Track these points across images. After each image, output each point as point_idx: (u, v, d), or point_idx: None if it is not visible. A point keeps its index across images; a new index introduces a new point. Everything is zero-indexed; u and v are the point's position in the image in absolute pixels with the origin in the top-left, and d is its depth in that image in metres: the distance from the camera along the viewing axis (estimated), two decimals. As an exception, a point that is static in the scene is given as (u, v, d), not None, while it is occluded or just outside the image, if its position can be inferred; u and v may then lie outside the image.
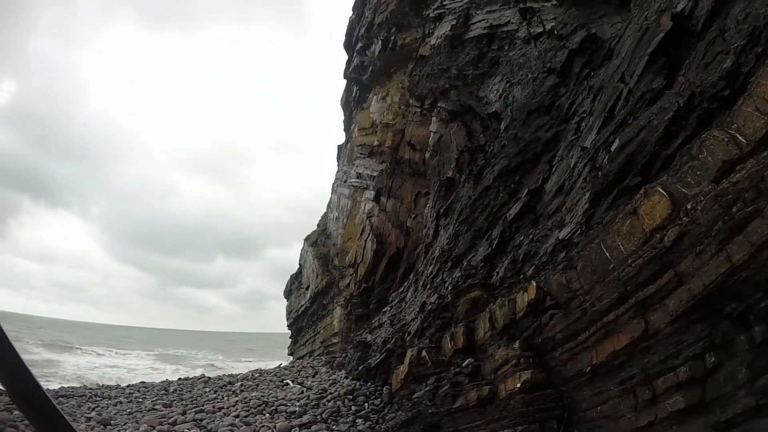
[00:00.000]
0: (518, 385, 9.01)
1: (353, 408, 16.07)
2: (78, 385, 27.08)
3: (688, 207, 7.31)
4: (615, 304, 7.87)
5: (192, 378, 28.02)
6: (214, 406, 17.63)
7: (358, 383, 17.84)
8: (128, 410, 18.34)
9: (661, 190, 7.89)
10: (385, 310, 21.48)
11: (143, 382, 26.60)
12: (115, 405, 19.56)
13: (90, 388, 25.12)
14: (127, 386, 25.30)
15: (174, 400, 20.09)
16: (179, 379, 28.07)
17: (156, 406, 18.97)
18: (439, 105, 19.13)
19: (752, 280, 6.55)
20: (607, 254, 8.26)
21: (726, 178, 7.37)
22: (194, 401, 19.46)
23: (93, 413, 17.52)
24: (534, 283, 9.46)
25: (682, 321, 7.09)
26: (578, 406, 8.77)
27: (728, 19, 9.13)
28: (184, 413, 16.91)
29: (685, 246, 7.05)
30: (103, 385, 26.62)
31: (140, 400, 20.50)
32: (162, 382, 26.53)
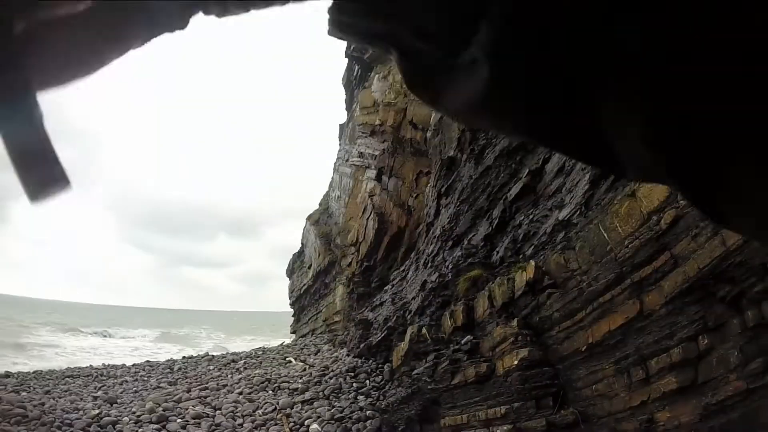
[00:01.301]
0: (515, 363, 9.17)
1: (355, 385, 16.28)
2: (84, 365, 27.36)
3: (686, 190, 7.39)
4: (611, 285, 7.98)
5: (196, 356, 28.31)
6: (218, 384, 17.87)
7: (359, 361, 18.03)
8: (134, 389, 18.59)
9: (659, 172, 7.95)
10: (386, 288, 21.63)
11: (148, 362, 26.85)
12: (120, 384, 19.80)
13: (96, 368, 25.39)
14: (132, 365, 25.56)
15: (179, 378, 20.34)
16: (183, 357, 28.37)
17: (161, 385, 19.22)
18: (441, 84, 19.07)
19: (746, 265, 6.62)
20: (605, 235, 8.36)
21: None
22: (198, 379, 19.70)
23: (99, 392, 17.78)
24: (533, 263, 9.58)
25: (677, 303, 7.20)
26: (573, 384, 8.93)
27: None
28: (188, 391, 17.17)
29: (681, 229, 7.13)
30: (108, 365, 26.86)
31: (145, 378, 20.74)
32: (166, 360, 26.79)
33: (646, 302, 7.54)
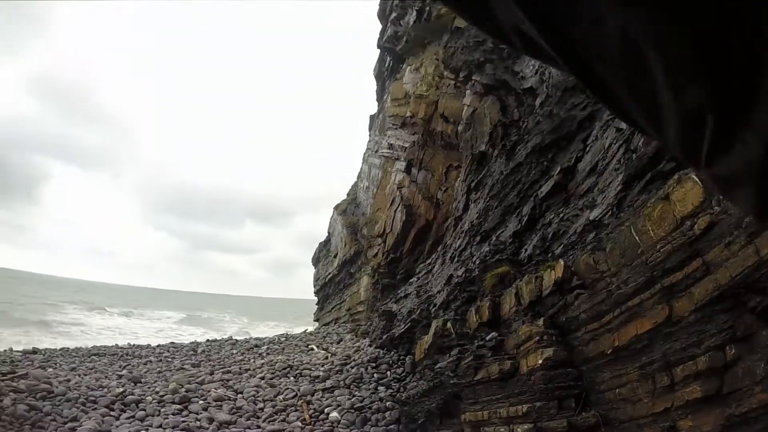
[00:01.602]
0: (540, 362, 9.13)
1: (376, 375, 16.39)
2: (109, 344, 27.94)
3: (721, 196, 7.25)
4: (640, 289, 7.89)
5: (220, 340, 28.71)
6: (240, 368, 18.12)
7: (381, 351, 18.14)
8: (158, 369, 18.94)
9: (694, 177, 7.81)
10: (411, 281, 21.68)
11: (173, 343, 27.29)
12: (145, 364, 20.19)
13: (121, 347, 25.92)
14: (157, 346, 26.01)
15: (202, 361, 20.67)
16: (207, 340, 28.80)
17: (185, 366, 19.56)
18: (473, 78, 18.97)
19: (778, 276, 6.51)
20: (637, 238, 8.25)
21: (762, 167, 7.29)
22: (221, 362, 20.01)
23: (124, 371, 18.16)
24: (561, 262, 9.50)
25: (706, 310, 7.09)
26: (597, 387, 8.87)
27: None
28: (211, 373, 17.44)
29: (714, 236, 7.01)
30: (133, 345, 27.38)
31: (169, 360, 21.11)
32: (191, 343, 27.23)
33: (675, 308, 7.44)
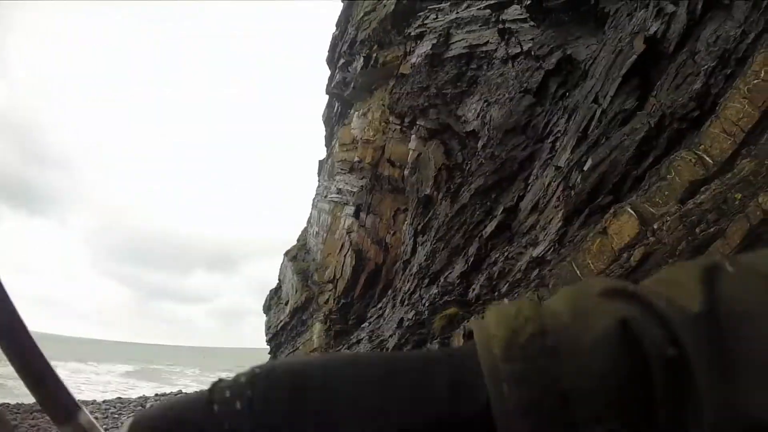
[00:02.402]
0: (489, 402, 9.09)
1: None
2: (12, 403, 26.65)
3: (655, 227, 7.49)
4: (584, 322, 8.01)
5: (169, 394, 27.73)
6: None
7: (337, 401, 17.83)
8: (104, 426, 17.97)
9: (630, 209, 8.07)
10: (363, 326, 21.49)
11: (119, 398, 26.25)
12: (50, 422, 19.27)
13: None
14: (103, 402, 24.98)
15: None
16: (156, 395, 27.83)
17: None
18: (418, 123, 19.34)
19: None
20: (578, 272, 8.41)
21: (692, 198, 7.58)
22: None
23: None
24: (506, 301, 9.59)
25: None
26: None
27: (699, 42, 9.40)
28: None
29: (650, 265, 7.21)
30: (79, 401, 26.18)
31: (116, 416, 20.28)
32: (138, 398, 26.29)
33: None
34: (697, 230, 6.88)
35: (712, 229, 6.77)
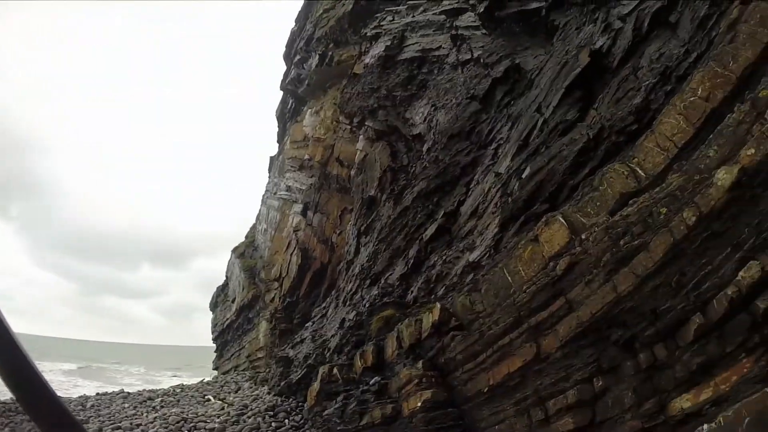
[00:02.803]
0: (419, 404, 9.15)
1: (273, 425, 15.87)
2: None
3: (583, 237, 7.62)
4: (509, 328, 8.12)
5: (111, 393, 26.95)
6: (131, 423, 17.02)
7: (279, 399, 17.64)
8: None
9: (561, 218, 8.20)
10: (307, 325, 21.36)
11: (60, 397, 25.33)
12: (29, 421, 18.63)
13: (3, 402, 23.87)
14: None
15: (91, 416, 19.31)
16: (97, 394, 27.00)
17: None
18: (366, 124, 19.34)
19: (637, 310, 6.88)
20: (509, 279, 8.52)
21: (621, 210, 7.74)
22: (112, 417, 18.75)
23: (6, 429, 16.70)
24: (438, 305, 9.67)
25: (572, 346, 7.37)
26: (478, 425, 8.97)
27: (643, 58, 9.62)
28: (100, 430, 16.35)
29: (576, 275, 7.34)
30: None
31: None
32: (79, 397, 25.45)
33: (542, 346, 7.69)
34: (622, 242, 7.03)
35: (636, 242, 6.92)
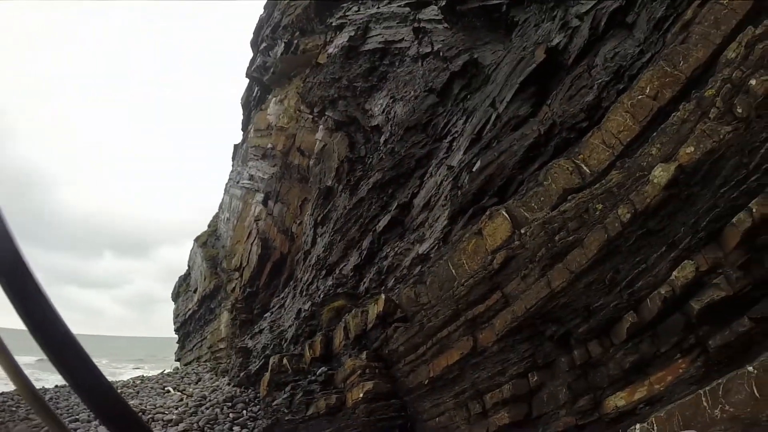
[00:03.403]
0: (361, 395, 9.17)
1: (231, 415, 15.82)
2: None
3: (522, 231, 7.66)
4: (448, 321, 8.15)
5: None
6: (89, 415, 16.81)
7: (238, 390, 17.61)
8: (0, 420, 17.26)
9: (504, 213, 8.23)
10: (266, 315, 21.27)
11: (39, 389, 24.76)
12: (27, 416, 18.34)
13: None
14: (1, 394, 23.59)
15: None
16: (56, 386, 26.54)
17: (30, 416, 17.91)
18: (327, 113, 19.23)
19: (571, 306, 6.92)
20: (453, 271, 8.54)
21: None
22: (70, 410, 18.48)
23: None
24: (383, 296, 9.67)
25: (508, 340, 7.42)
26: (420, 416, 9.01)
27: (598, 57, 9.69)
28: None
29: (512, 269, 7.38)
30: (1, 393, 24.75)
31: (13, 409, 19.22)
32: (38, 389, 24.94)
33: (479, 339, 7.73)
34: (557, 238, 7.07)
35: (571, 238, 6.95)
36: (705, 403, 5.27)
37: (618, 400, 6.62)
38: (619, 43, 9.40)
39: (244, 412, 16.01)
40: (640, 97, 7.74)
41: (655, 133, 6.96)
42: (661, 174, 6.36)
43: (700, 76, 7.06)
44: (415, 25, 16.92)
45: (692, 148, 6.27)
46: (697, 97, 6.59)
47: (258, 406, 15.89)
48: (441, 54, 14.71)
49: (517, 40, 12.51)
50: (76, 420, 16.39)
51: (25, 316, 0.78)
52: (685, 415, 5.53)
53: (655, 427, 5.80)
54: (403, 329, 9.03)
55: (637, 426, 6.03)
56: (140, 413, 16.40)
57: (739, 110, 5.79)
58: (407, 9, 17.85)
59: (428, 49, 15.77)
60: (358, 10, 20.78)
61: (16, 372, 0.86)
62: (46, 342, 0.80)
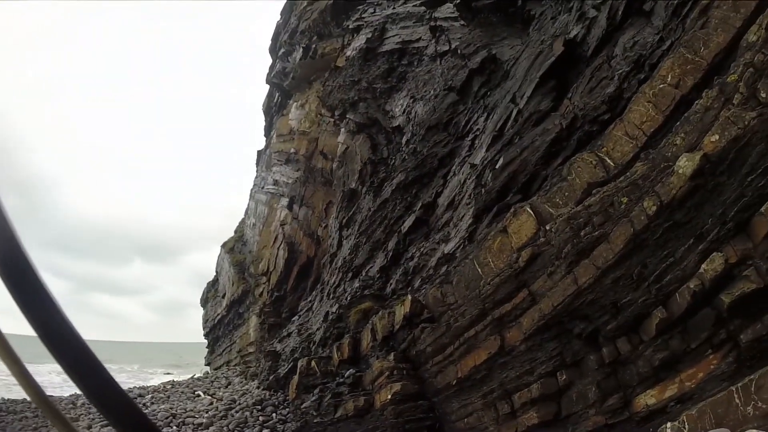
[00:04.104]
0: (389, 397, 9.17)
1: (261, 418, 15.94)
2: (-19, 400, 25.64)
3: (548, 228, 7.57)
4: (475, 321, 8.09)
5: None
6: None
7: (267, 393, 17.73)
8: (33, 425, 17.61)
9: (529, 209, 8.14)
10: (294, 319, 21.37)
11: (51, 396, 25.31)
12: (20, 420, 18.67)
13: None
14: (31, 400, 24.06)
15: (81, 414, 19.35)
16: (84, 395, 26.97)
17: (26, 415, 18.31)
18: (348, 116, 19.29)
19: (599, 303, 6.81)
20: (479, 270, 8.48)
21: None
22: (101, 415, 18.83)
23: (-3, 432, 16.79)
24: (410, 297, 9.65)
25: (535, 339, 7.34)
26: (448, 417, 8.98)
27: (617, 47, 9.54)
28: (89, 427, 16.40)
29: (538, 266, 7.30)
30: (7, 399, 25.31)
31: (44, 415, 19.64)
32: (70, 395, 25.43)
33: (507, 338, 7.67)
34: (582, 233, 6.97)
35: (596, 233, 6.85)
36: (737, 400, 5.17)
37: (648, 399, 6.52)
38: (637, 32, 9.23)
39: (274, 415, 16.11)
40: (661, 86, 7.59)
41: (678, 123, 6.83)
42: (686, 164, 6.24)
43: (722, 62, 6.89)
44: (432, 23, 16.89)
45: (717, 136, 6.14)
46: (720, 83, 6.46)
47: (287, 409, 15.96)
48: (459, 51, 14.64)
49: (534, 34, 12.38)
50: (108, 425, 16.63)
51: (29, 316, 0.80)
52: (717, 413, 5.42)
53: (687, 426, 5.69)
54: (430, 330, 9.01)
55: (668, 424, 5.92)
56: (171, 417, 16.61)
57: (763, 95, 5.66)
58: (423, 8, 17.82)
59: (446, 48, 15.72)
60: (374, 12, 20.81)
61: (27, 380, 0.87)
62: (56, 347, 0.82)
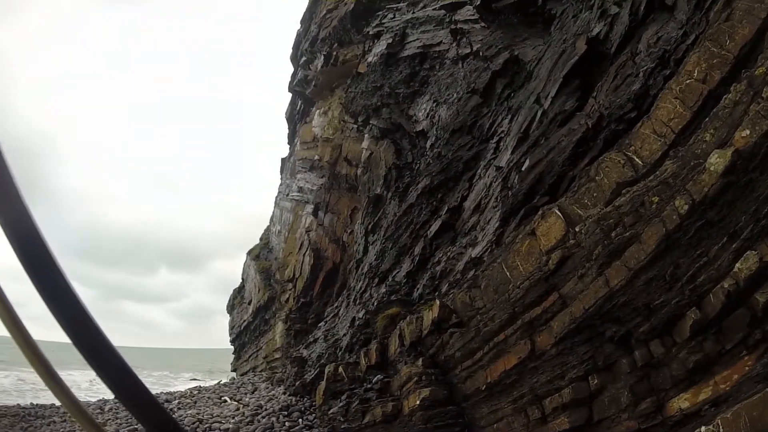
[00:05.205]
0: (418, 402, 9.11)
1: (287, 424, 15.95)
2: (11, 404, 26.08)
3: (577, 229, 7.46)
4: (505, 325, 8.01)
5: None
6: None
7: (294, 399, 17.76)
8: (61, 430, 17.83)
9: (557, 211, 8.03)
10: (320, 325, 21.42)
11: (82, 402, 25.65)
12: (48, 425, 18.94)
13: (24, 407, 24.24)
14: (61, 405, 24.38)
15: (109, 419, 19.56)
16: (115, 397, 27.25)
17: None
18: (371, 122, 19.32)
19: (631, 305, 6.69)
20: (508, 274, 8.39)
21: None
22: (129, 420, 18.98)
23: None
24: (438, 302, 9.59)
25: (566, 343, 7.24)
26: (477, 423, 8.89)
27: (640, 43, 9.40)
28: (117, 431, 16.58)
29: (569, 269, 7.19)
30: (36, 405, 25.72)
31: (74, 420, 19.86)
32: (98, 401, 25.74)
33: (537, 342, 7.58)
34: (613, 234, 6.86)
35: (627, 234, 6.73)
36: (774, 403, 5.02)
37: (682, 402, 6.37)
38: (661, 27, 9.07)
39: (300, 420, 16.11)
40: (688, 81, 7.43)
41: (707, 118, 6.68)
42: (717, 161, 6.11)
43: (749, 54, 6.70)
44: (452, 26, 16.84)
45: (748, 131, 6.00)
46: (748, 76, 6.30)
47: (314, 415, 15.96)
48: (481, 54, 14.57)
49: (556, 33, 12.26)
50: (135, 429, 16.81)
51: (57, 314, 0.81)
52: (752, 416, 5.26)
53: (721, 430, 5.53)
54: (458, 335, 8.94)
55: (703, 429, 5.75)
56: (197, 422, 16.72)
57: (793, 87, 5.52)
58: (442, 11, 17.78)
59: (467, 50, 15.66)
60: (394, 17, 20.83)
61: (59, 385, 0.88)
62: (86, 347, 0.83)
